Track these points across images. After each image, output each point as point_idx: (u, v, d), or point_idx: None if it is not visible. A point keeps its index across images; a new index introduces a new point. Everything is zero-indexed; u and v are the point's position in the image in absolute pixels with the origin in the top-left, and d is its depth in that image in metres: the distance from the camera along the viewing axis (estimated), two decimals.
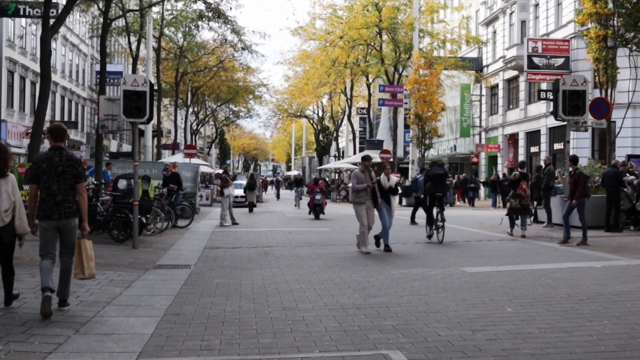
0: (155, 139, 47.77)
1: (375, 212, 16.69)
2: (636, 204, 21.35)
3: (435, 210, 19.36)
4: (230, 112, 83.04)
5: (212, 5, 32.81)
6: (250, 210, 37.58)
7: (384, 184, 16.98)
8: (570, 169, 18.58)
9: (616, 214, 21.06)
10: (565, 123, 19.60)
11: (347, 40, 49.96)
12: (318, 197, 30.99)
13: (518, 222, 20.49)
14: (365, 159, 17.02)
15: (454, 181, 46.26)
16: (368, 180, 16.39)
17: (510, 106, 50.85)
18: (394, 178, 17.48)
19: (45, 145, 26.86)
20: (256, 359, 7.07)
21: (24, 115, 44.83)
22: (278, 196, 65.90)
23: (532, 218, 22.04)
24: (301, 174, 62.76)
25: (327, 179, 62.85)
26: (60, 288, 8.99)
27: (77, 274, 9.10)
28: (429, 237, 19.42)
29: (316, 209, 31.09)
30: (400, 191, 29.92)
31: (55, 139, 9.05)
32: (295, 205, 42.95)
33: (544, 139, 44.33)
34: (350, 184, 56.02)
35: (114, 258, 14.61)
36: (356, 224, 16.77)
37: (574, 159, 18.68)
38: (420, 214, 25.42)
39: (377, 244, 17.03)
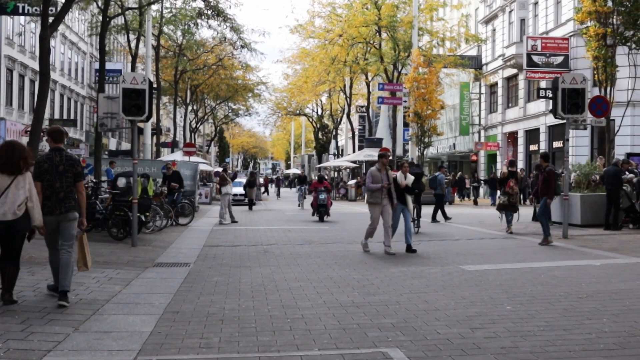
0: (155, 137, 47.73)
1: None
2: (636, 203, 21.35)
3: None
4: (230, 110, 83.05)
5: (211, 3, 32.78)
6: (250, 208, 37.68)
7: (400, 182, 16.37)
8: (542, 166, 18.60)
9: (615, 212, 21.07)
10: (564, 121, 19.60)
11: (347, 38, 49.97)
12: (323, 196, 27.93)
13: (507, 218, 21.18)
14: (383, 156, 16.15)
15: (450, 179, 46.28)
16: (385, 179, 15.63)
17: (510, 104, 50.87)
18: (411, 177, 16.86)
19: (45, 143, 26.86)
20: (255, 357, 7.07)
21: (23, 114, 44.84)
22: (279, 194, 65.04)
23: (532, 214, 22.15)
24: (304, 171, 61.40)
25: (325, 177, 62.38)
26: (61, 279, 9.28)
27: (80, 267, 10.01)
28: None
29: (320, 210, 27.96)
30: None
31: (55, 141, 9.71)
32: (299, 206, 40.27)
33: (543, 137, 44.35)
34: (349, 182, 56.10)
35: (113, 256, 14.61)
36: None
37: (545, 156, 18.75)
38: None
39: (408, 250, 16.00)
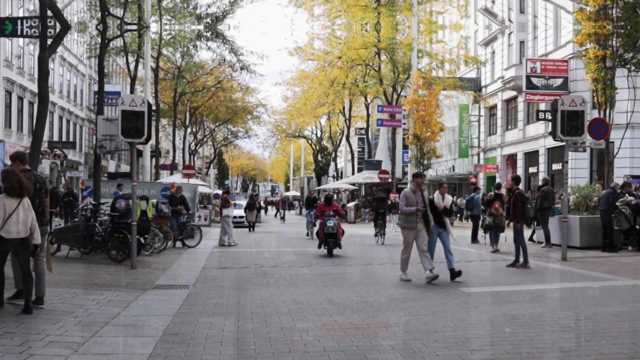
0: (154, 159, 47.80)
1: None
2: (635, 225, 21.28)
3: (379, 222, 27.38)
4: (229, 133, 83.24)
5: (210, 25, 32.90)
6: (251, 230, 37.88)
7: (438, 203, 15.06)
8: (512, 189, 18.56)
9: (610, 234, 21.07)
10: (563, 143, 19.63)
11: (346, 60, 50.11)
12: (331, 223, 21.49)
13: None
14: (418, 175, 15.31)
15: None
16: (420, 200, 14.58)
17: (509, 126, 50.96)
18: (449, 198, 15.58)
19: (44, 165, 26.87)
20: None
21: (22, 136, 44.87)
22: (283, 218, 59.88)
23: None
24: (313, 192, 57.62)
25: (334, 199, 60.84)
26: (40, 287, 10.49)
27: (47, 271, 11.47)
28: (375, 235, 27.13)
29: (329, 241, 21.29)
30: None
31: (23, 163, 10.80)
32: (308, 235, 32.14)
33: (542, 159, 44.39)
34: (348, 204, 55.81)
35: (112, 278, 14.60)
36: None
37: (516, 179, 18.73)
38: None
39: (453, 277, 14.62)
